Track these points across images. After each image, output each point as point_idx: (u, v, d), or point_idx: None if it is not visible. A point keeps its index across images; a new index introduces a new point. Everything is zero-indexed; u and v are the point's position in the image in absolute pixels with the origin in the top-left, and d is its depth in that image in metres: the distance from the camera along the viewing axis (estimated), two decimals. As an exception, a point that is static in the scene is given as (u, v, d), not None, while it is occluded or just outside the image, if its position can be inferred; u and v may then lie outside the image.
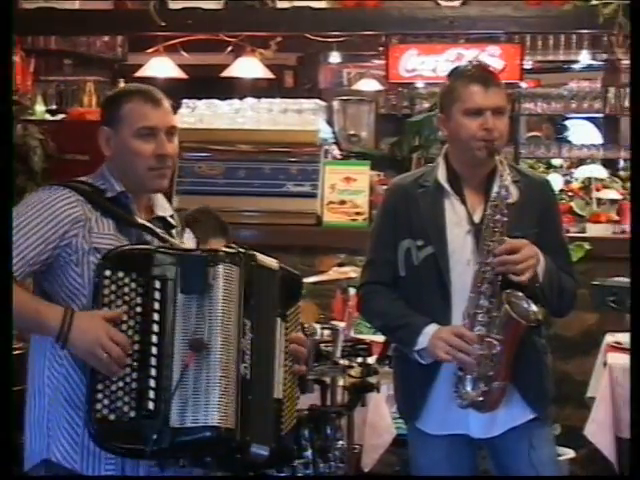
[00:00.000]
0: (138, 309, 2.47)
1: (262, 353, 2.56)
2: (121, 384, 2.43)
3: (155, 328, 2.46)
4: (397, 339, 3.33)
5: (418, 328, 3.14)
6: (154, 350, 2.44)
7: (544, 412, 3.26)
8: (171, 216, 2.77)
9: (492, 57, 6.61)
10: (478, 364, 3.04)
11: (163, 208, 2.76)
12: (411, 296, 3.23)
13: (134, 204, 2.67)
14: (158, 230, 2.68)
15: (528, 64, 7.91)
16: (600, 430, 4.59)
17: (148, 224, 2.67)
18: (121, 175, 2.66)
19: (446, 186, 3.22)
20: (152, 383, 2.44)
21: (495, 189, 3.10)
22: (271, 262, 2.67)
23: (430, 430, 3.26)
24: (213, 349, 2.43)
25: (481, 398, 3.06)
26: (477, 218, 3.17)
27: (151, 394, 2.43)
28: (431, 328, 3.13)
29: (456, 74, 3.27)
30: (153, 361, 2.45)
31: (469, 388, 3.07)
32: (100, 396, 2.41)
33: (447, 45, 6.76)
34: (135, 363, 2.44)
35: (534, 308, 3.06)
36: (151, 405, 2.42)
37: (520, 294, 3.06)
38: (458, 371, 3.09)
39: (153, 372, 2.44)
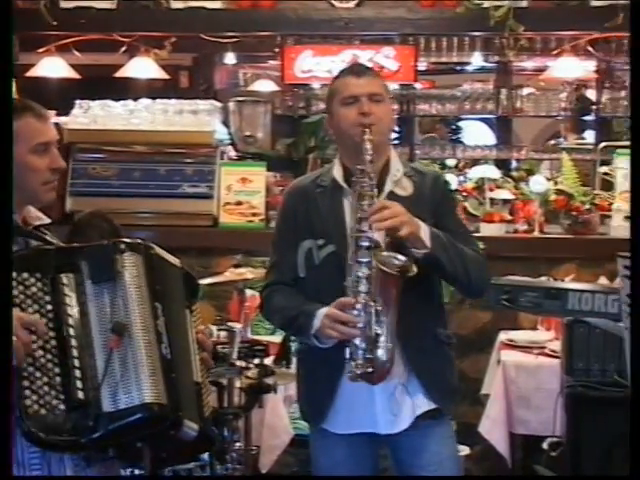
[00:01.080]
0: (49, 306, 2.49)
1: (177, 336, 2.60)
2: (46, 379, 2.43)
3: (70, 321, 2.49)
4: (296, 329, 3.29)
5: (313, 312, 3.15)
6: (73, 342, 2.47)
7: (445, 404, 3.28)
8: (45, 225, 2.76)
9: (387, 58, 6.67)
10: (362, 333, 3.03)
11: (38, 218, 2.76)
12: (313, 294, 3.23)
13: (17, 216, 2.68)
14: (47, 236, 2.69)
15: (422, 65, 7.99)
16: (494, 426, 4.67)
17: (36, 231, 2.69)
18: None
19: (343, 184, 3.25)
20: (77, 373, 2.45)
21: (365, 155, 3.12)
22: (171, 257, 2.74)
23: (337, 430, 3.26)
24: (134, 330, 2.47)
25: (369, 367, 3.03)
26: (352, 181, 3.20)
27: (78, 384, 2.44)
28: (323, 310, 3.13)
29: (336, 75, 3.37)
30: (74, 352, 2.46)
31: (357, 357, 3.03)
32: (28, 392, 2.41)
33: (342, 46, 6.79)
34: (56, 358, 2.45)
35: (403, 259, 3.05)
36: (80, 394, 2.43)
37: (387, 253, 3.06)
38: (347, 345, 3.07)
39: (76, 363, 2.46)
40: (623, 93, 8.67)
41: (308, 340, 3.20)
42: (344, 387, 3.19)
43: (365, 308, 3.04)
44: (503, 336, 5.05)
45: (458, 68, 8.74)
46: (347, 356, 3.07)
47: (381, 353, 3.06)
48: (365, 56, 6.67)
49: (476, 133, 9.79)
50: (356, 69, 3.33)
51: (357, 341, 3.05)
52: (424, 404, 3.23)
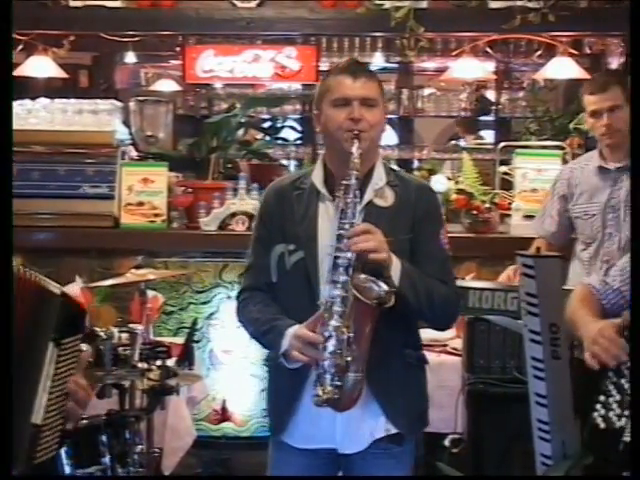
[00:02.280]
0: None
1: (24, 372, 2.37)
2: None
3: None
4: (267, 344, 3.18)
5: (282, 330, 3.03)
6: None
7: (408, 429, 3.19)
8: None
9: (289, 58, 6.68)
10: (332, 357, 2.92)
11: None
12: (283, 302, 3.14)
13: None
14: None
15: (324, 66, 8.00)
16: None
17: None
18: None
19: (321, 189, 3.13)
20: None
21: (352, 171, 2.98)
22: (53, 286, 2.47)
23: (296, 444, 3.18)
24: None
25: (336, 394, 2.93)
26: (335, 197, 3.07)
27: None
28: (293, 329, 3.01)
29: (330, 69, 3.22)
30: None
31: (324, 383, 2.93)
32: None
33: (244, 46, 6.78)
34: None
35: (385, 288, 2.93)
36: None
37: (368, 277, 2.94)
38: (315, 368, 2.96)
39: None
40: (521, 94, 8.81)
41: (277, 358, 3.09)
42: (306, 401, 3.07)
43: (337, 333, 2.92)
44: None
45: (360, 68, 8.77)
46: (315, 379, 2.97)
47: (350, 381, 2.95)
48: (267, 56, 6.67)
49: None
50: (353, 68, 3.11)
51: (326, 366, 2.93)
52: (385, 428, 3.13)
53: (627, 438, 2.59)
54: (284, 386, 3.16)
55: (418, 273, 3.05)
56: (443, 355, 4.82)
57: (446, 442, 4.44)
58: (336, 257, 2.95)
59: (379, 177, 3.14)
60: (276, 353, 3.08)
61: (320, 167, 3.18)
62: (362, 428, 3.11)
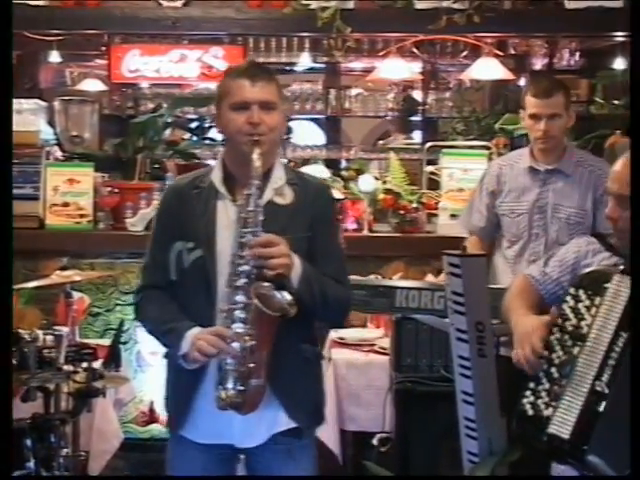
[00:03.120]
0: None
1: None
2: None
3: None
4: (166, 344, 3.19)
5: (182, 332, 3.05)
6: None
7: (307, 423, 3.22)
8: None
9: (216, 58, 6.64)
10: (234, 362, 2.96)
11: None
12: (181, 300, 3.15)
13: None
14: None
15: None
16: (325, 424, 4.69)
17: None
18: None
19: (220, 188, 3.15)
20: None
21: (254, 179, 3.02)
22: None
23: (195, 438, 3.19)
24: None
25: (239, 399, 2.97)
26: (237, 207, 3.09)
27: None
28: (193, 332, 3.04)
29: (229, 71, 3.23)
30: None
31: (227, 387, 2.97)
32: None
33: (170, 46, 6.72)
34: None
35: (287, 299, 2.97)
36: None
37: (270, 285, 2.97)
38: (218, 372, 3.01)
39: None
40: (448, 94, 8.86)
41: (177, 359, 3.10)
42: (205, 396, 3.10)
43: (240, 339, 2.96)
44: (333, 334, 5.07)
45: (287, 68, 8.74)
46: (217, 382, 3.00)
47: (252, 387, 2.99)
48: (194, 56, 6.63)
49: (306, 133, 9.85)
50: (251, 71, 3.13)
51: (229, 371, 2.97)
52: (284, 422, 3.15)
53: (552, 430, 2.62)
54: (183, 382, 3.18)
55: (316, 274, 3.10)
56: (371, 354, 4.84)
57: (374, 441, 4.46)
58: (238, 264, 2.99)
59: (278, 176, 3.17)
60: (176, 355, 3.09)
61: (219, 166, 3.21)
62: (261, 423, 3.14)
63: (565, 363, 2.68)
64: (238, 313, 2.97)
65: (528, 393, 2.71)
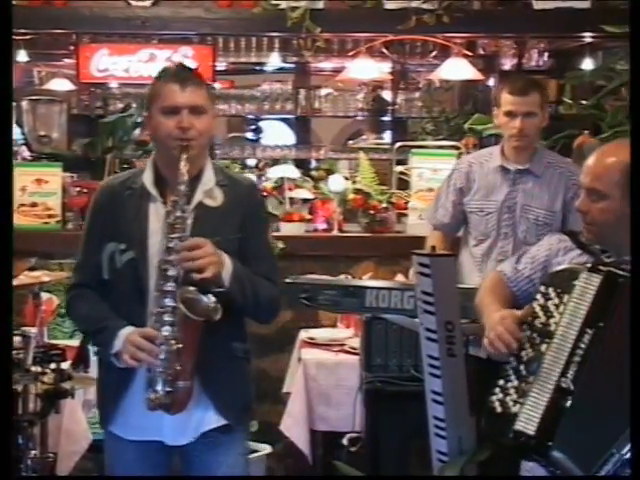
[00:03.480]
0: None
1: None
2: None
3: None
4: (97, 343, 3.26)
5: (114, 331, 3.09)
6: None
7: (236, 420, 3.25)
8: None
9: (185, 58, 6.61)
10: (163, 364, 3.00)
11: None
12: (113, 300, 3.18)
13: None
14: None
15: (221, 65, 7.97)
16: (295, 424, 4.69)
17: None
18: None
19: (151, 190, 3.16)
20: None
21: (181, 185, 3.05)
22: None
23: (125, 435, 3.23)
24: None
25: (168, 399, 3.02)
26: (165, 213, 3.11)
27: None
28: (125, 331, 3.08)
29: (159, 73, 3.22)
30: None
31: (156, 389, 3.02)
32: None
33: (139, 45, 6.69)
34: None
35: (212, 304, 3.02)
36: None
37: (195, 290, 3.02)
38: (147, 373, 3.06)
39: None
40: (417, 94, 8.88)
41: (109, 357, 3.14)
42: (134, 393, 3.15)
43: (167, 343, 3.01)
44: (304, 334, 5.09)
45: (257, 68, 8.75)
46: (146, 383, 3.06)
47: (180, 388, 3.04)
48: (163, 55, 6.60)
49: (276, 133, 9.84)
50: (181, 76, 3.14)
51: (157, 373, 3.02)
52: (214, 420, 3.19)
53: (518, 426, 2.63)
54: (113, 379, 3.21)
55: (247, 273, 3.14)
56: (341, 354, 4.83)
57: (344, 441, 4.47)
58: (166, 269, 3.03)
59: (208, 178, 3.20)
60: (107, 353, 3.14)
61: (150, 168, 3.22)
62: (191, 420, 3.17)
63: (532, 360, 2.69)
64: (166, 317, 3.02)
65: (497, 390, 2.72)
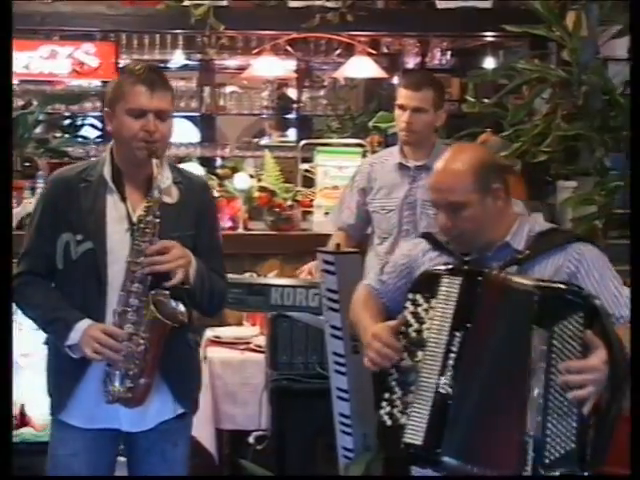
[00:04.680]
0: None
1: None
2: None
3: None
4: (51, 332, 3.23)
5: (71, 323, 3.09)
6: None
7: (191, 407, 3.32)
8: None
9: (87, 55, 6.54)
10: (125, 361, 3.04)
11: None
12: (68, 290, 3.18)
13: None
14: None
15: (124, 62, 7.89)
16: (200, 423, 4.63)
17: None
18: None
19: (109, 182, 3.17)
20: None
21: (154, 190, 3.07)
22: None
23: (78, 423, 3.21)
24: None
25: (128, 394, 3.06)
26: (136, 217, 3.14)
27: None
28: (83, 324, 3.08)
29: (125, 72, 3.21)
30: None
31: (116, 384, 3.06)
32: None
33: (40, 41, 6.59)
34: None
35: (181, 309, 3.08)
36: None
37: (167, 294, 3.06)
38: (107, 367, 3.08)
39: None
40: (322, 92, 8.91)
41: (60, 346, 3.14)
42: (88, 383, 3.16)
43: (131, 341, 3.04)
44: (209, 333, 5.06)
45: (161, 65, 8.66)
46: (106, 376, 3.09)
47: (141, 385, 3.07)
48: (64, 52, 6.52)
49: (181, 131, 9.77)
50: (150, 78, 3.12)
51: (119, 369, 3.06)
52: (172, 409, 3.23)
53: (407, 438, 2.60)
54: (65, 366, 3.20)
55: (205, 269, 3.20)
56: (247, 353, 4.81)
57: (250, 439, 4.45)
58: (134, 271, 3.06)
59: (166, 176, 3.22)
60: (61, 344, 3.13)
61: (109, 161, 3.23)
62: (149, 409, 3.19)
63: (410, 369, 2.66)
64: (130, 316, 3.06)
65: (384, 404, 2.68)
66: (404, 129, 4.51)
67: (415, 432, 2.59)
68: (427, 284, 2.74)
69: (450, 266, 2.76)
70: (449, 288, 2.69)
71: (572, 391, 2.44)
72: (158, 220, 3.07)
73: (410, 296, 2.76)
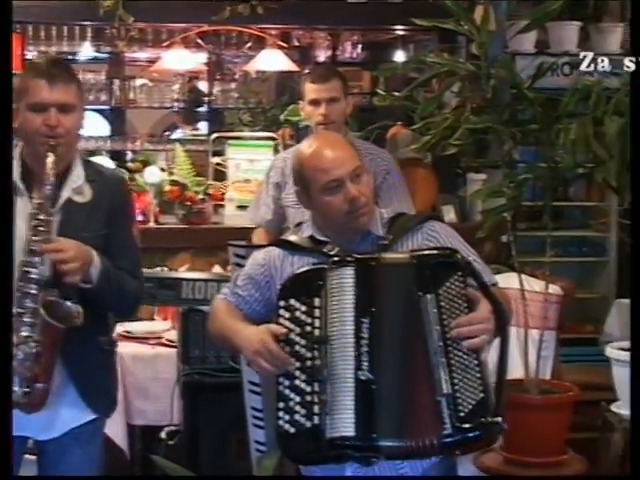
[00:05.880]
0: None
1: None
2: None
3: None
4: None
5: None
6: None
7: (105, 412, 3.25)
8: None
9: (-8, 46, 6.42)
10: (20, 365, 2.93)
11: None
12: None
13: None
14: None
15: (31, 55, 7.77)
16: (111, 419, 4.56)
17: None
18: None
19: (19, 184, 3.08)
20: None
21: (46, 186, 2.98)
22: None
23: None
24: None
25: (25, 399, 2.96)
26: (29, 216, 3.02)
27: None
28: None
29: (28, 67, 3.14)
30: None
31: (15, 389, 2.94)
32: None
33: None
34: None
35: (77, 310, 2.98)
36: None
37: (59, 295, 2.98)
38: None
39: None
40: (233, 85, 8.88)
41: None
42: None
43: (25, 344, 2.94)
44: (120, 328, 5.00)
45: (69, 58, 8.55)
46: None
47: (37, 389, 2.98)
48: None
49: (90, 124, 9.65)
50: (51, 72, 3.04)
51: (15, 373, 2.94)
52: (83, 415, 3.16)
53: (334, 434, 2.57)
54: None
55: (113, 269, 3.11)
56: (158, 347, 4.79)
57: (162, 434, 4.43)
58: (27, 271, 2.97)
59: (77, 174, 3.14)
60: None
61: (18, 162, 3.14)
62: (60, 416, 3.13)
63: (318, 369, 2.62)
64: (26, 318, 2.96)
65: (281, 414, 2.62)
66: (322, 122, 4.52)
67: (344, 424, 2.57)
68: (303, 286, 2.71)
69: (336, 258, 2.74)
70: (341, 280, 2.68)
71: (467, 342, 2.57)
72: (51, 218, 2.99)
73: (282, 304, 2.71)
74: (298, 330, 2.67)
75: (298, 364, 2.64)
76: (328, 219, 2.86)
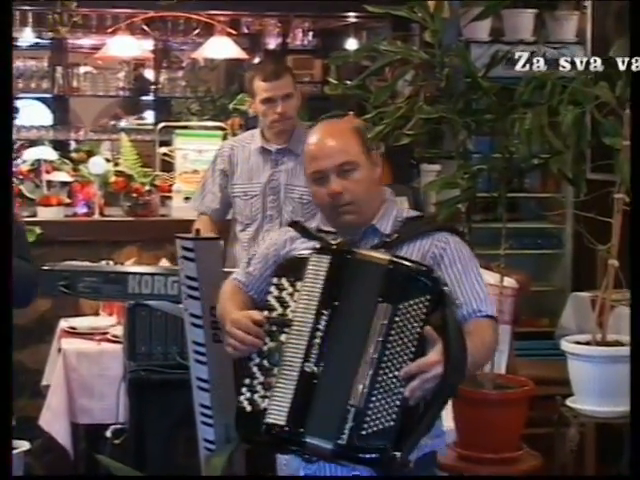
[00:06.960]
0: None
1: None
2: None
3: None
4: None
5: None
6: None
7: None
8: None
9: None
10: None
11: None
12: None
13: None
14: None
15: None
16: (55, 418, 4.58)
17: None
18: None
19: None
20: None
21: None
22: None
23: None
24: None
25: None
26: None
27: None
28: None
29: None
30: None
31: None
32: None
33: None
34: None
35: None
36: None
37: None
38: None
39: None
40: (181, 73, 8.79)
41: None
42: None
43: None
44: (64, 324, 4.96)
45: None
46: None
47: None
48: None
49: (32, 113, 9.49)
50: None
51: None
52: None
53: (269, 419, 2.56)
54: None
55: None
56: (104, 343, 4.73)
57: (108, 433, 4.34)
58: None
59: None
60: None
61: None
62: None
63: (273, 351, 2.63)
64: None
65: (244, 390, 2.63)
66: (279, 120, 4.48)
67: (278, 412, 2.56)
68: (293, 267, 2.71)
69: (318, 246, 2.74)
70: (317, 267, 2.66)
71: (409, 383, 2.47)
72: None
73: (275, 280, 2.72)
74: (280, 310, 2.66)
75: (271, 343, 2.63)
76: (319, 209, 2.87)
